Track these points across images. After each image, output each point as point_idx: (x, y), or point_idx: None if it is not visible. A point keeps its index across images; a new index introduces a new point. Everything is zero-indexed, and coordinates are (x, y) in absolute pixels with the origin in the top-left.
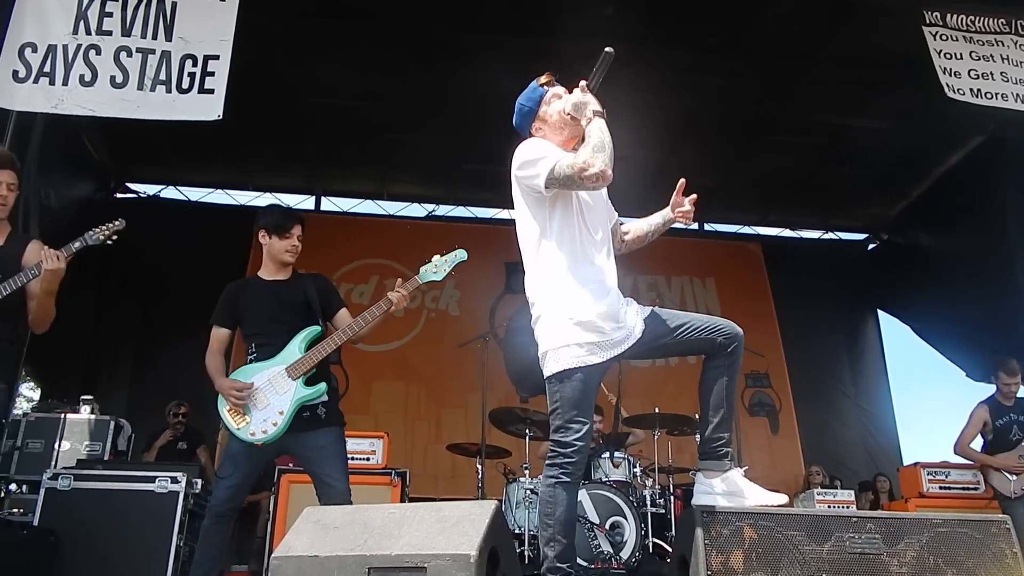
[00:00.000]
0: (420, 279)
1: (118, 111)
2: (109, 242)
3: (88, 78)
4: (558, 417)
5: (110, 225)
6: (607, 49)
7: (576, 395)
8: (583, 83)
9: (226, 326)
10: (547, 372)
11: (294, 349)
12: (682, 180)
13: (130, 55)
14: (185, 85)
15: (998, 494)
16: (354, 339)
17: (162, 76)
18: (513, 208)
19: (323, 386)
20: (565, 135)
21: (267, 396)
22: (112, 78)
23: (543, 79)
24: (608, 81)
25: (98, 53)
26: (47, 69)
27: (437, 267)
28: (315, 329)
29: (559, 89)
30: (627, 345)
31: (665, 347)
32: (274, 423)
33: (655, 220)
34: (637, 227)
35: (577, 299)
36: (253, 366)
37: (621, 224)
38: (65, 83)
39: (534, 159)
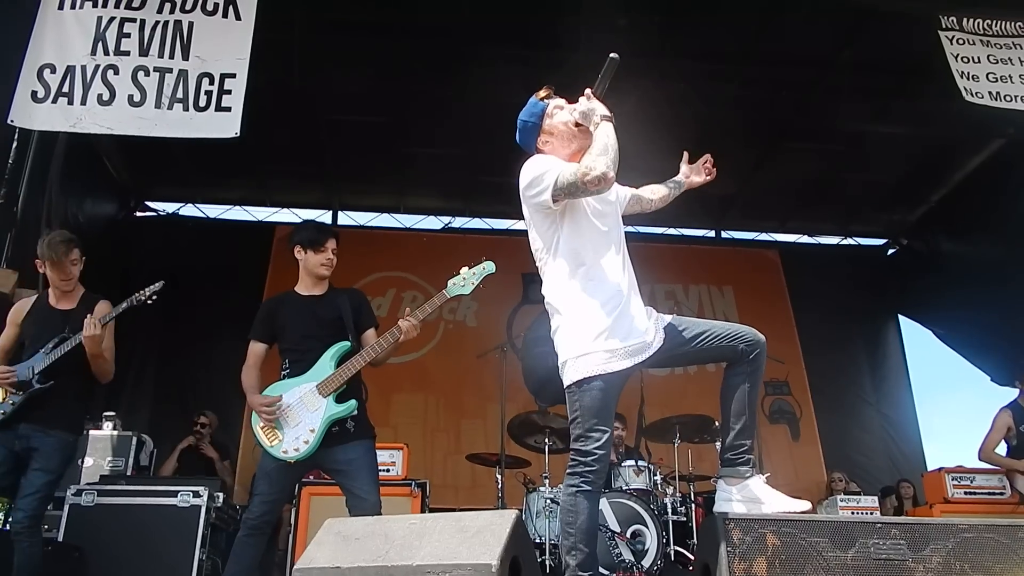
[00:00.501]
0: (448, 294)
1: (135, 129)
2: (150, 301)
3: (106, 97)
4: (578, 426)
5: (152, 287)
6: (612, 55)
7: (596, 403)
8: (588, 91)
9: (263, 341)
10: (567, 381)
11: (325, 365)
12: (685, 153)
13: (147, 74)
14: (202, 103)
15: None
16: (373, 363)
17: (179, 94)
18: None
19: (353, 403)
20: (574, 147)
21: (299, 414)
22: (130, 97)
23: (542, 93)
24: (624, 91)
25: (116, 73)
26: (65, 89)
27: (465, 280)
28: (345, 345)
29: (560, 101)
30: (648, 353)
31: (686, 355)
32: (305, 441)
33: (671, 184)
34: (660, 189)
35: (595, 307)
36: (285, 382)
37: (638, 189)
38: (83, 103)
39: (539, 175)
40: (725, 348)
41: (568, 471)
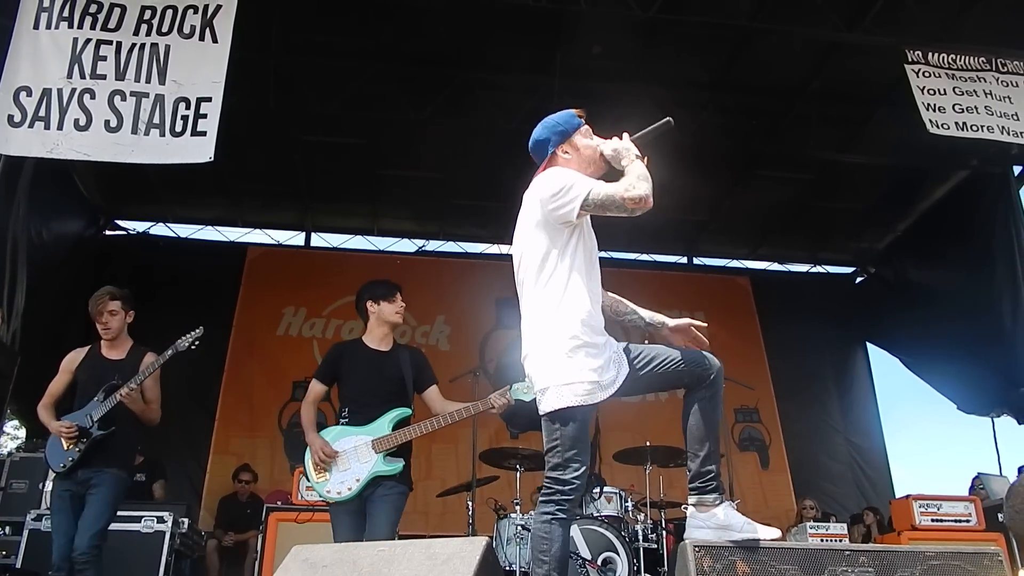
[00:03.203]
0: (512, 395)
1: (112, 155)
2: (193, 347)
3: (83, 122)
4: (557, 455)
5: (193, 334)
6: (668, 119)
7: (576, 432)
8: (626, 134)
9: (325, 383)
10: (547, 408)
11: (383, 425)
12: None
13: (124, 99)
14: (178, 128)
15: None
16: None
17: (155, 119)
18: (509, 243)
19: (400, 464)
20: (590, 172)
21: (349, 460)
22: (106, 122)
23: (579, 111)
24: (597, 119)
25: (92, 97)
26: (42, 113)
27: (528, 388)
28: (406, 412)
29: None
30: (619, 384)
31: (642, 381)
32: (349, 488)
33: (644, 315)
34: (629, 307)
35: (583, 338)
36: (345, 428)
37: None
38: (60, 128)
39: (568, 186)
40: (682, 372)
41: (542, 499)
